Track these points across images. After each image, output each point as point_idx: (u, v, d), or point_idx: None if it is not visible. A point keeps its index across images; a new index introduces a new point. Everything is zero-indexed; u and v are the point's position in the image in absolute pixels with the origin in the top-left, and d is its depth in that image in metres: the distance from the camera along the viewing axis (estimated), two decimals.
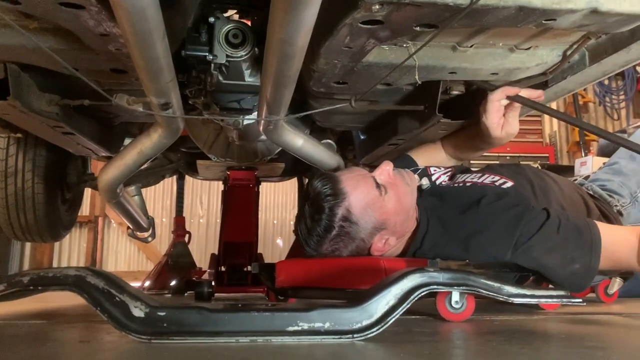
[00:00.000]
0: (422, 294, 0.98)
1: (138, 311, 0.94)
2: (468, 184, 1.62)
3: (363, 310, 0.95)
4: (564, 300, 1.07)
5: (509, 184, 1.58)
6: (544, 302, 1.16)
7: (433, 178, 1.73)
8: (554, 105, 7.06)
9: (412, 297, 0.97)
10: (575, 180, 2.09)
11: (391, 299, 0.97)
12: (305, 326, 0.93)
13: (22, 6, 1.00)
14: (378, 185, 1.49)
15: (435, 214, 1.54)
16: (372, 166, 2.90)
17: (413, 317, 1.38)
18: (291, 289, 1.53)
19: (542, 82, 1.54)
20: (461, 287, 1.03)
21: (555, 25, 1.12)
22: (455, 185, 1.65)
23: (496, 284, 1.04)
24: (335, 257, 1.50)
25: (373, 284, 1.16)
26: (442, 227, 1.50)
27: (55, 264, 6.78)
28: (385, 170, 1.53)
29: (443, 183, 1.71)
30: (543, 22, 1.09)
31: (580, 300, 1.13)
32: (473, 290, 1.03)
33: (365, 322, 0.94)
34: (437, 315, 1.22)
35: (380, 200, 1.47)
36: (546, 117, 8.03)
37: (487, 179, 1.62)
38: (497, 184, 1.59)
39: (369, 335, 0.92)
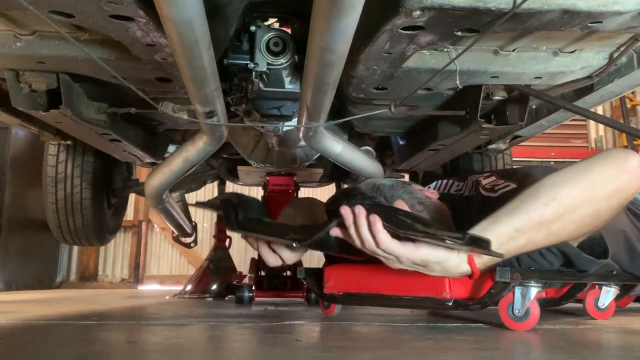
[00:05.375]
0: None
1: None
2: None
3: None
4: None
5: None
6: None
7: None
8: (599, 109, 6.84)
9: None
10: None
11: None
12: None
13: (75, 19, 1.04)
14: None
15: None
16: (411, 172, 2.87)
17: (462, 324, 1.37)
18: (340, 296, 1.50)
19: (587, 85, 1.50)
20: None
21: (601, 28, 1.09)
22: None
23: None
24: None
25: (427, 289, 1.21)
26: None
27: (100, 268, 6.95)
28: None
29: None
30: (588, 25, 1.07)
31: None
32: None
33: None
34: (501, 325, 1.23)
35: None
36: (591, 121, 7.80)
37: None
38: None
39: None
